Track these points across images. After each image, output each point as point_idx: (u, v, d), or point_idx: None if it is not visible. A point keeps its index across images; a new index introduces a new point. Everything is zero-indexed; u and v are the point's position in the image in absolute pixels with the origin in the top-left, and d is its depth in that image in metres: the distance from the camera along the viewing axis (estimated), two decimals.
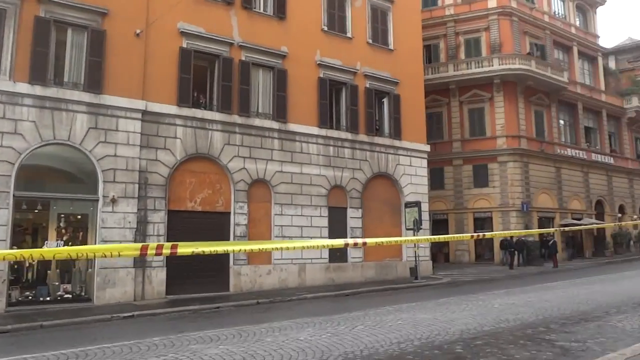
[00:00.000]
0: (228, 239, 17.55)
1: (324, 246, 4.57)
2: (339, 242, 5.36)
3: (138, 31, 16.46)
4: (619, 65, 46.12)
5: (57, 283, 14.81)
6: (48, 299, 14.49)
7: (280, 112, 19.46)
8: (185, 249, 4.42)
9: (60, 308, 13.94)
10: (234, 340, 8.76)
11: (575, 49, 36.58)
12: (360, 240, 4.97)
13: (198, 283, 15.71)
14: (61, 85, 15.31)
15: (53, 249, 5.92)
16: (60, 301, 14.54)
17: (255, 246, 5.23)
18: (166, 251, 4.46)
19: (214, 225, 17.40)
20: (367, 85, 22.31)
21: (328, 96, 21.04)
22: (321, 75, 20.89)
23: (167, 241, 16.02)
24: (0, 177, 13.88)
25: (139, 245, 4.21)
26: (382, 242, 5.54)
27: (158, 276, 15.92)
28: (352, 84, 21.77)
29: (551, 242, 27.06)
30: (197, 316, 12.90)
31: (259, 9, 19.80)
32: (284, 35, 19.97)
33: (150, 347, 8.37)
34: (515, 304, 12.28)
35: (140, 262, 15.64)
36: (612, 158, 37.54)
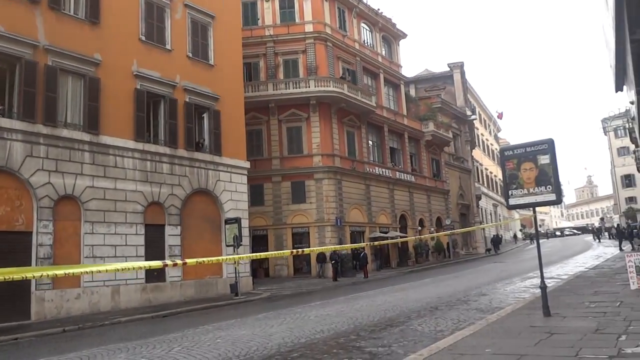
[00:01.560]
0: (29, 262, 15.82)
1: (140, 267, 4.25)
2: (156, 263, 5.10)
3: None
4: (418, 93, 51.89)
5: None
6: None
7: (92, 123, 18.20)
8: None
9: None
10: None
11: (381, 76, 40.23)
12: (179, 261, 4.68)
13: None
14: None
15: None
16: None
17: (59, 271, 4.71)
18: None
19: (13, 246, 15.56)
20: (187, 100, 21.94)
21: (145, 109, 20.25)
22: (138, 87, 20.06)
23: None
24: None
25: None
26: (203, 261, 5.46)
27: None
28: (171, 98, 21.24)
29: (362, 254, 29.13)
30: None
31: (69, 11, 18.39)
32: (97, 42, 18.82)
33: None
34: (329, 314, 12.96)
35: None
36: (413, 176, 41.83)
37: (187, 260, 5.66)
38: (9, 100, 16.70)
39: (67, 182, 17.20)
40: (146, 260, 18.93)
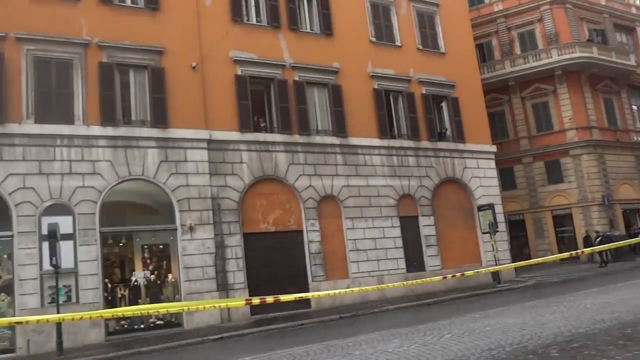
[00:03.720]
0: (303, 257, 17.79)
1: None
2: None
3: (194, 64, 16.99)
4: None
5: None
6: (142, 326, 15.23)
7: (339, 127, 19.48)
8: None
9: (154, 334, 14.61)
10: (323, 355, 8.65)
11: (639, 30, 34.81)
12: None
13: (279, 302, 15.80)
14: (130, 123, 16.06)
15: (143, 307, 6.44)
16: (153, 328, 15.21)
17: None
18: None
19: (288, 244, 17.66)
20: (424, 91, 22.04)
21: (385, 106, 20.91)
22: (376, 87, 20.83)
23: (246, 263, 16.66)
24: (86, 216, 14.72)
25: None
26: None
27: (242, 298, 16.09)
28: (407, 92, 21.56)
29: None
30: (283, 334, 12.95)
31: (306, 29, 19.98)
32: (333, 52, 20.07)
33: None
34: (609, 302, 11.53)
35: (223, 286, 16.01)
36: None
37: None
38: (269, 116, 18.83)
39: (326, 184, 18.73)
40: (404, 251, 19.65)
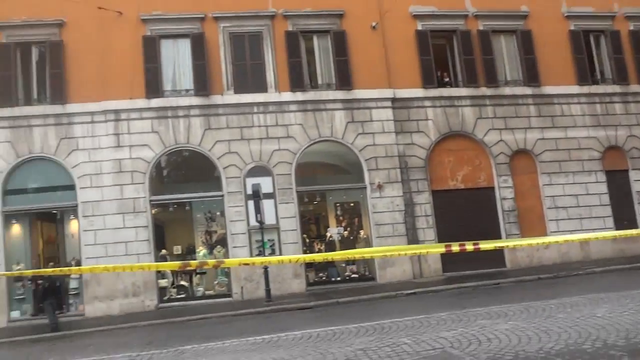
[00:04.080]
0: (495, 214, 17.12)
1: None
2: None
3: (374, 24, 17.07)
4: None
5: (343, 265, 16.42)
6: (338, 278, 16.30)
7: (531, 76, 18.07)
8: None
9: (349, 286, 15.51)
10: (522, 316, 8.19)
11: None
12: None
13: (472, 260, 15.33)
14: (317, 88, 16.87)
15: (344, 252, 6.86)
16: (348, 280, 16.19)
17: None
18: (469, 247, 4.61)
19: (479, 201, 17.06)
20: (632, 28, 19.35)
21: (584, 49, 18.80)
22: (572, 28, 18.82)
23: (435, 220, 16.61)
24: (283, 176, 16.04)
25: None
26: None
27: (433, 255, 16.12)
28: (611, 30, 19.12)
29: None
30: (476, 292, 12.65)
31: None
32: None
33: (439, 322, 8.35)
34: None
35: (413, 242, 16.09)
36: None
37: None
38: (453, 70, 18.16)
39: (518, 137, 17.64)
40: (612, 209, 17.83)
